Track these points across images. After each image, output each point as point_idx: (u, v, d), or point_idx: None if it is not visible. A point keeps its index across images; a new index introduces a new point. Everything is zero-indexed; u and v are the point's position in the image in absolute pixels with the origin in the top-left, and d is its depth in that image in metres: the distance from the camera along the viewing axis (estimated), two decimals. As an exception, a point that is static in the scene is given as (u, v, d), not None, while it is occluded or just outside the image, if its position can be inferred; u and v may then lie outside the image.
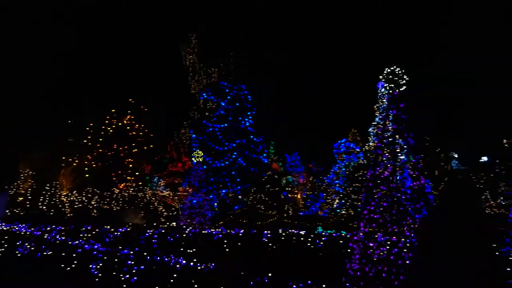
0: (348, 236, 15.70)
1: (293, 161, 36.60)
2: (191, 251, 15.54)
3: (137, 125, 33.12)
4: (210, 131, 32.58)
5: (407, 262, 11.36)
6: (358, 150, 31.22)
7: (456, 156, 41.71)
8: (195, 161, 23.36)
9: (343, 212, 27.93)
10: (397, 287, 10.73)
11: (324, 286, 10.76)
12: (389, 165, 11.75)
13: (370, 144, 26.53)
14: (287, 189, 32.86)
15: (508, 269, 10.67)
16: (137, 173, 31.50)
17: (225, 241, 16.51)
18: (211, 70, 43.91)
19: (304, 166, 36.07)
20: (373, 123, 26.70)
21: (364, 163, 27.38)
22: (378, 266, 11.55)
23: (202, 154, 23.86)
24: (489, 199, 26.52)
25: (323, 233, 19.53)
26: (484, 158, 41.95)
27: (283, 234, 17.59)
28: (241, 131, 32.69)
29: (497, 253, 13.73)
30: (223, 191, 30.45)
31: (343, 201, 28.05)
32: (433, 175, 26.36)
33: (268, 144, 39.20)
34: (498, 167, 29.48)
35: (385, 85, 11.48)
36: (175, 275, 11.62)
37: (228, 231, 17.89)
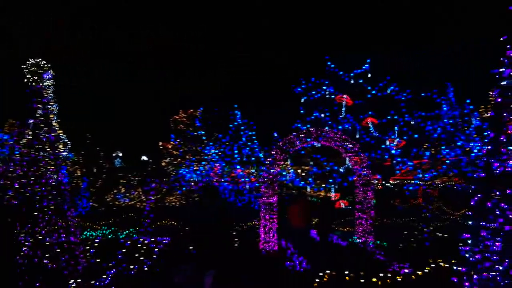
0: None
1: None
2: None
3: None
4: None
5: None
6: (11, 142, 27.89)
7: (121, 154, 44.47)
8: None
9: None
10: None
11: None
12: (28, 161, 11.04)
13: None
14: None
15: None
16: None
17: None
18: None
19: None
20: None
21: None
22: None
23: None
24: (140, 194, 29.85)
25: None
26: (144, 157, 46.93)
27: None
28: None
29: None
30: None
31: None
32: (91, 172, 26.92)
33: None
34: (150, 166, 33.66)
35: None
36: None
37: None
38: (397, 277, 9.14)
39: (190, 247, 14.15)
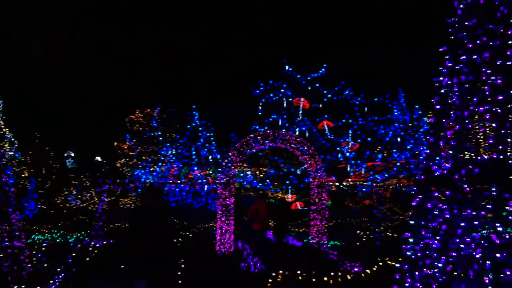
0: None
1: None
2: None
3: None
4: None
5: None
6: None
7: (73, 154, 42.75)
8: None
9: None
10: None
11: None
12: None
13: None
14: None
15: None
16: None
17: None
18: None
19: None
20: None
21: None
22: None
23: None
24: (93, 196, 28.82)
25: None
26: (98, 158, 45.40)
27: None
28: None
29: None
30: None
31: None
32: (39, 172, 25.72)
33: None
34: (104, 166, 32.62)
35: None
36: None
37: None
38: (348, 276, 9.46)
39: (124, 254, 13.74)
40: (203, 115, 25.41)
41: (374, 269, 9.96)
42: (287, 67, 25.67)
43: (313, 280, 9.17)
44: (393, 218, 24.19)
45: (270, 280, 9.28)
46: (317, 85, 25.61)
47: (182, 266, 11.53)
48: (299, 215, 25.68)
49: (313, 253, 14.76)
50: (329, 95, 25.58)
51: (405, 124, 27.85)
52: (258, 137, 17.02)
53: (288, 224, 22.87)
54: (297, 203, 30.32)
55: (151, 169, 26.81)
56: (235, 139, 25.55)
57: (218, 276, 11.07)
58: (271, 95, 25.66)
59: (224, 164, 16.62)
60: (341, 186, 27.04)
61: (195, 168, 25.21)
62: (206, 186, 25.59)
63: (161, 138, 27.80)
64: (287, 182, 26.33)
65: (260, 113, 25.18)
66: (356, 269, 10.46)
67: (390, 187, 25.85)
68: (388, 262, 10.34)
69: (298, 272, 9.52)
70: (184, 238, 19.25)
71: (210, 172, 25.55)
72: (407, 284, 5.72)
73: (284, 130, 22.29)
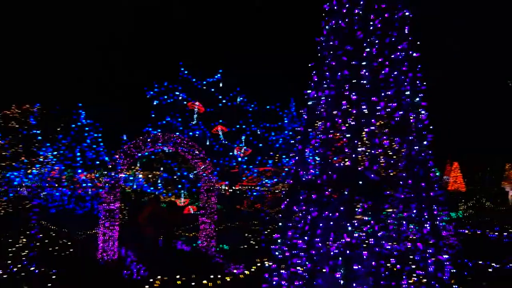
0: None
1: None
2: None
3: None
4: None
5: None
6: None
7: None
8: None
9: None
10: None
11: None
12: None
13: None
14: None
15: None
16: None
17: None
18: None
19: None
20: None
21: None
22: None
23: None
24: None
25: None
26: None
27: None
28: None
29: None
30: None
31: None
32: None
33: None
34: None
35: None
36: None
37: None
38: (226, 278, 9.69)
39: None
40: (90, 115, 23.72)
41: (253, 269, 10.37)
42: (182, 69, 25.42)
43: (192, 283, 9.18)
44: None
45: (147, 287, 9.04)
46: (212, 90, 25.84)
47: (53, 277, 10.62)
48: (191, 219, 25.53)
49: (200, 257, 14.80)
50: (224, 101, 26.00)
51: (294, 132, 29.57)
52: (148, 140, 16.54)
53: (179, 228, 22.57)
54: (190, 208, 30.09)
55: (27, 172, 24.15)
56: (126, 141, 24.37)
57: (96, 285, 10.44)
58: (166, 97, 25.12)
59: (110, 166, 15.79)
60: (231, 190, 27.62)
61: (80, 171, 23.39)
62: (90, 190, 23.92)
63: (40, 138, 25.24)
64: (179, 186, 26.01)
65: (153, 115, 24.43)
66: (236, 271, 10.76)
67: (276, 191, 27.18)
68: (266, 262, 10.86)
69: (178, 276, 9.45)
70: (62, 246, 17.79)
71: (97, 175, 23.97)
72: (274, 283, 6.07)
73: (178, 133, 21.99)
